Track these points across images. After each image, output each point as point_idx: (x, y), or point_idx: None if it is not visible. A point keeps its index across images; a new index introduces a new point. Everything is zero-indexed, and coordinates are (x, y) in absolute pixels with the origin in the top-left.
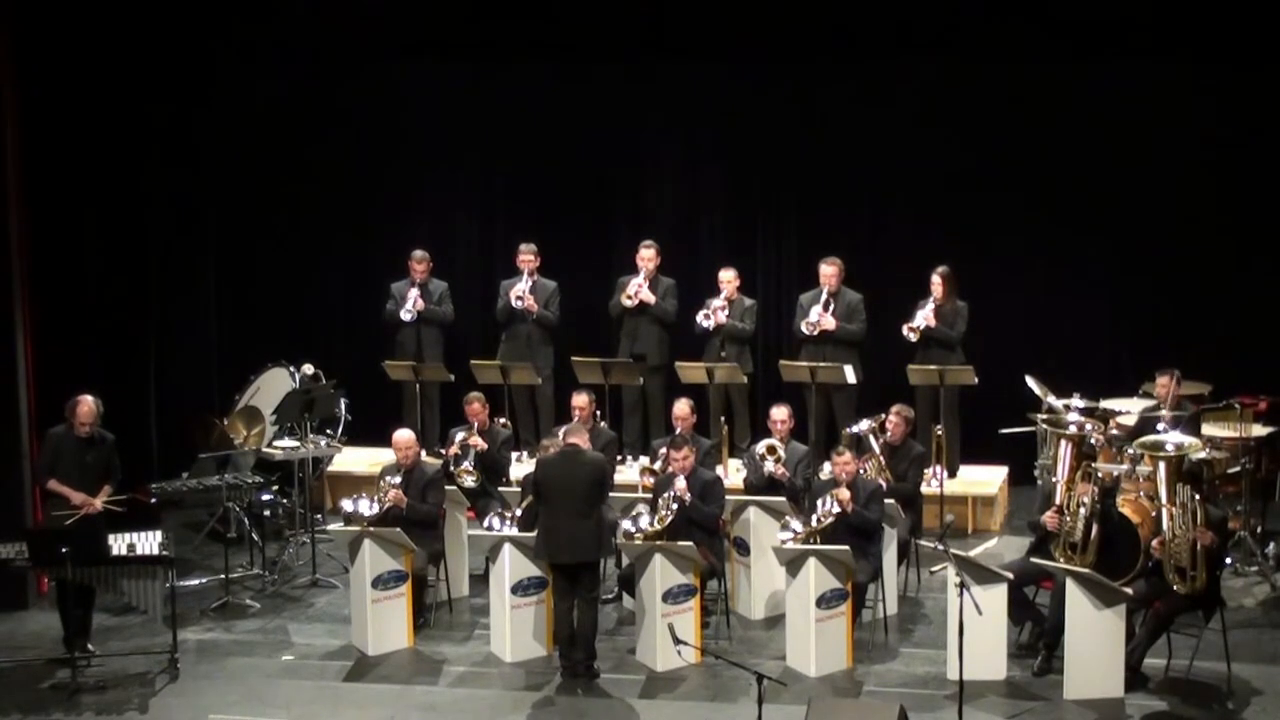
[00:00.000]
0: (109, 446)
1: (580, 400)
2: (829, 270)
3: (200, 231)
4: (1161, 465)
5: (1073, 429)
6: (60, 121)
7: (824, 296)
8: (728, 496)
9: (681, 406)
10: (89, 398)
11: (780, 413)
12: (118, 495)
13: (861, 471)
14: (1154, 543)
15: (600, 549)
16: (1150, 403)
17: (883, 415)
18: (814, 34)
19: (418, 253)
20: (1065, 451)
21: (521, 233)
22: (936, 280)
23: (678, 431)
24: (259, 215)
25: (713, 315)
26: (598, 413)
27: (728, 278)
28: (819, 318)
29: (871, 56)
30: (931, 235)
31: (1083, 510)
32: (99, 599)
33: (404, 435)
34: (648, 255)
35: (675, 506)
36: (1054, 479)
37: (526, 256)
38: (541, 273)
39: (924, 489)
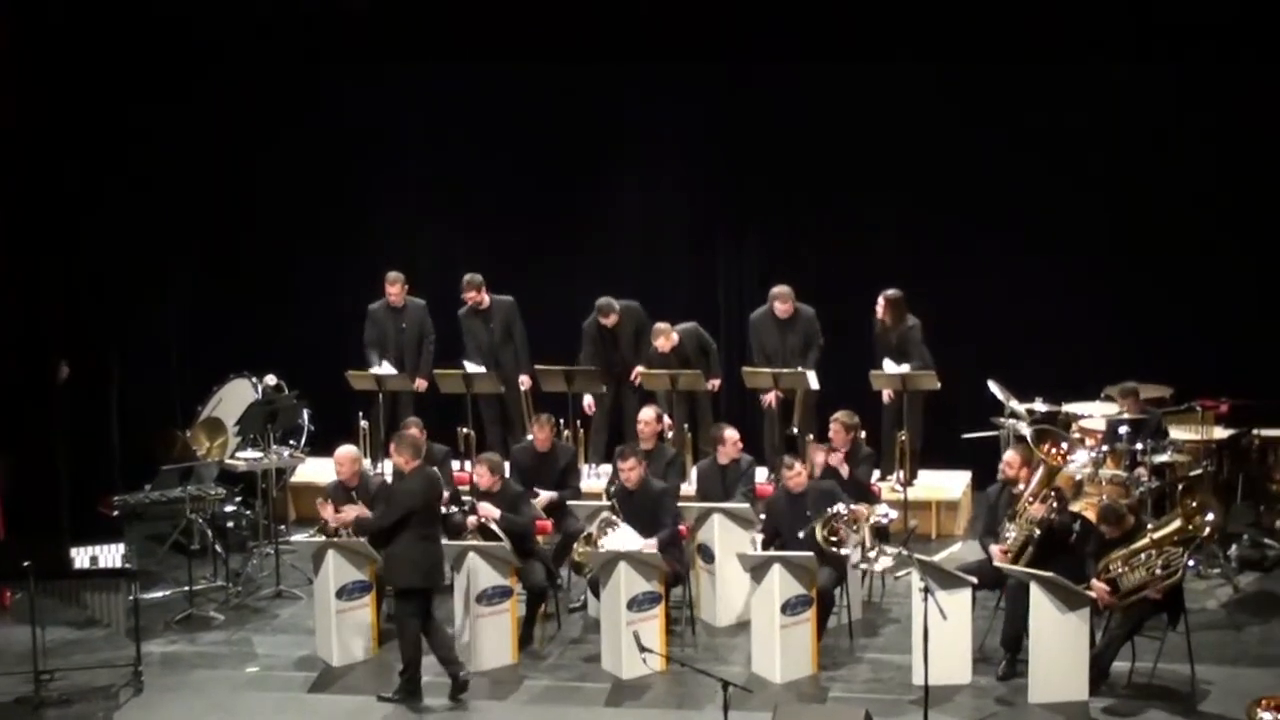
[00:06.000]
0: None
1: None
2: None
3: (163, 243)
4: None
5: (1053, 452)
6: (30, 131)
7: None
8: (691, 504)
9: (647, 414)
10: None
11: (733, 434)
12: None
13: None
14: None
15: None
16: (1114, 408)
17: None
18: (790, 37)
19: (391, 274)
20: (1037, 471)
21: (485, 238)
22: (881, 304)
23: (640, 441)
24: (222, 225)
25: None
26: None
27: (660, 342)
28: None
29: (846, 59)
30: (894, 240)
31: (1032, 526)
32: (63, 614)
33: (346, 451)
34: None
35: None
36: (1018, 488)
37: (471, 293)
38: (503, 282)
39: (886, 494)
